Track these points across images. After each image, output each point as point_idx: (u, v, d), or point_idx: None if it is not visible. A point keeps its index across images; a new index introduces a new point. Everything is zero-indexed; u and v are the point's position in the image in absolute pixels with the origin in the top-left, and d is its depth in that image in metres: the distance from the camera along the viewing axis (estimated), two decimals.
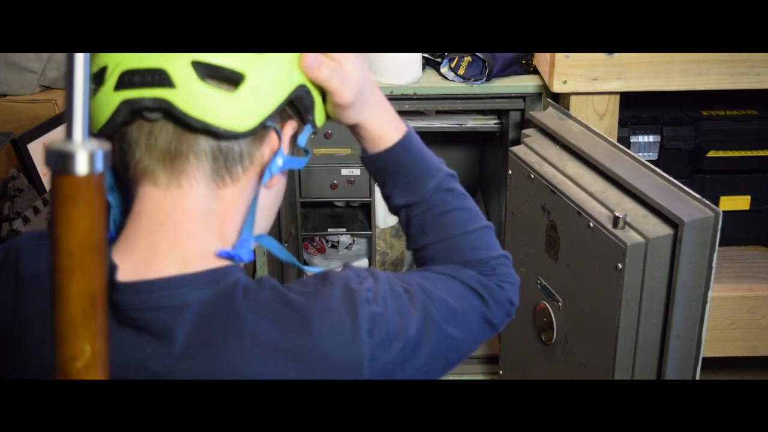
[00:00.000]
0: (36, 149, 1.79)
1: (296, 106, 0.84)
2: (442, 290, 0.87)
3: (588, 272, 1.41)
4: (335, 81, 0.84)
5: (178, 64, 0.76)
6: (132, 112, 0.77)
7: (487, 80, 1.77)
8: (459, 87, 1.79)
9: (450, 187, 0.96)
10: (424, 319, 0.83)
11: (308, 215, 2.24)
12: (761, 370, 1.94)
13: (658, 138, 1.80)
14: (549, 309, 1.56)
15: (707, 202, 1.28)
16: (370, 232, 2.17)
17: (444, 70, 1.81)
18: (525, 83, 1.79)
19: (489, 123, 1.96)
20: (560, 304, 1.52)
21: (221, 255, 0.79)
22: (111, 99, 0.78)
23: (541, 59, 1.76)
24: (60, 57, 1.96)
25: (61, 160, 0.49)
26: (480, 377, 2.01)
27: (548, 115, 1.66)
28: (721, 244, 1.28)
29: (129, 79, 0.77)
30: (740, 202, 1.86)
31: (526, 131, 1.69)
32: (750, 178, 1.86)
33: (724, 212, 1.26)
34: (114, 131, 0.79)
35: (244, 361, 0.75)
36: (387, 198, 0.97)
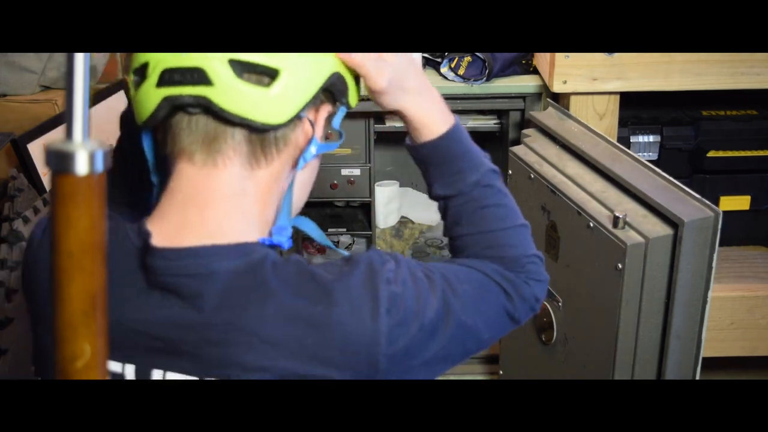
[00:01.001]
0: (36, 149, 1.79)
1: (330, 91, 0.87)
2: (464, 280, 0.89)
3: (588, 272, 1.41)
4: (368, 66, 0.88)
5: (215, 62, 0.80)
6: (173, 107, 0.82)
7: (487, 80, 1.77)
8: (459, 87, 1.79)
9: (490, 183, 0.98)
10: (443, 305, 0.84)
11: (308, 215, 2.24)
12: (761, 370, 1.94)
13: (658, 138, 1.80)
14: (549, 309, 1.56)
15: (707, 202, 1.28)
16: (370, 232, 2.17)
17: (444, 70, 1.81)
18: (525, 83, 1.79)
19: (489, 123, 1.96)
20: (560, 304, 1.52)
21: (263, 243, 0.83)
22: (153, 95, 0.82)
23: (541, 59, 1.76)
24: (60, 57, 1.96)
25: (61, 160, 0.49)
26: (480, 377, 2.01)
27: (548, 115, 1.66)
28: (721, 244, 1.28)
29: (169, 77, 0.81)
30: (740, 202, 1.86)
31: (526, 131, 1.69)
32: (750, 178, 1.86)
33: (724, 212, 1.26)
34: (157, 123, 0.84)
35: (266, 324, 0.78)
36: (429, 185, 0.99)
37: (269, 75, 0.81)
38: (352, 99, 0.91)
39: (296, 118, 0.84)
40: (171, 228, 0.81)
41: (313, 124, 0.87)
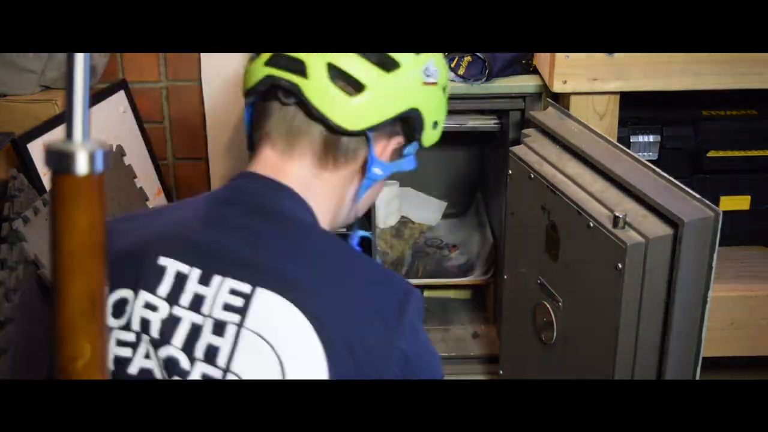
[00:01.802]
0: (36, 149, 1.79)
1: (406, 123, 1.01)
2: None
3: (588, 272, 1.41)
4: None
5: (316, 61, 0.94)
6: (272, 86, 0.96)
7: (487, 80, 1.77)
8: (459, 87, 1.79)
9: None
10: None
11: None
12: (761, 370, 1.94)
13: (658, 138, 1.80)
14: (549, 309, 1.56)
15: (707, 202, 1.28)
16: (370, 232, 2.17)
17: None
18: (525, 83, 1.79)
19: (489, 123, 1.96)
20: (560, 304, 1.52)
21: None
22: (260, 70, 0.98)
23: (541, 59, 1.76)
24: (60, 57, 1.96)
25: (61, 160, 0.49)
26: (480, 377, 2.01)
27: (548, 115, 1.66)
28: (721, 244, 1.28)
29: (277, 60, 0.96)
30: (740, 202, 1.86)
31: (526, 131, 1.69)
32: (750, 178, 1.86)
33: (724, 212, 1.26)
34: (256, 97, 0.99)
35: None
36: None
37: (356, 87, 0.95)
38: (427, 139, 1.05)
39: (366, 134, 0.97)
40: None
41: (370, 143, 0.99)
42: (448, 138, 2.35)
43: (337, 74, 0.94)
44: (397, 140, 1.02)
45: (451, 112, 1.94)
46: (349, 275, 0.92)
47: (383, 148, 1.01)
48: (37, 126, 1.82)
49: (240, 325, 0.85)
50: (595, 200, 1.40)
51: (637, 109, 1.81)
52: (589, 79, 1.64)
